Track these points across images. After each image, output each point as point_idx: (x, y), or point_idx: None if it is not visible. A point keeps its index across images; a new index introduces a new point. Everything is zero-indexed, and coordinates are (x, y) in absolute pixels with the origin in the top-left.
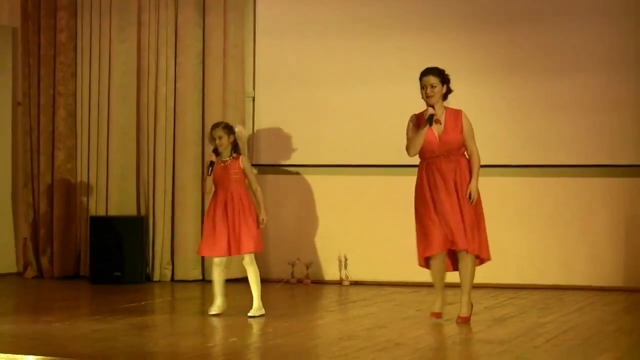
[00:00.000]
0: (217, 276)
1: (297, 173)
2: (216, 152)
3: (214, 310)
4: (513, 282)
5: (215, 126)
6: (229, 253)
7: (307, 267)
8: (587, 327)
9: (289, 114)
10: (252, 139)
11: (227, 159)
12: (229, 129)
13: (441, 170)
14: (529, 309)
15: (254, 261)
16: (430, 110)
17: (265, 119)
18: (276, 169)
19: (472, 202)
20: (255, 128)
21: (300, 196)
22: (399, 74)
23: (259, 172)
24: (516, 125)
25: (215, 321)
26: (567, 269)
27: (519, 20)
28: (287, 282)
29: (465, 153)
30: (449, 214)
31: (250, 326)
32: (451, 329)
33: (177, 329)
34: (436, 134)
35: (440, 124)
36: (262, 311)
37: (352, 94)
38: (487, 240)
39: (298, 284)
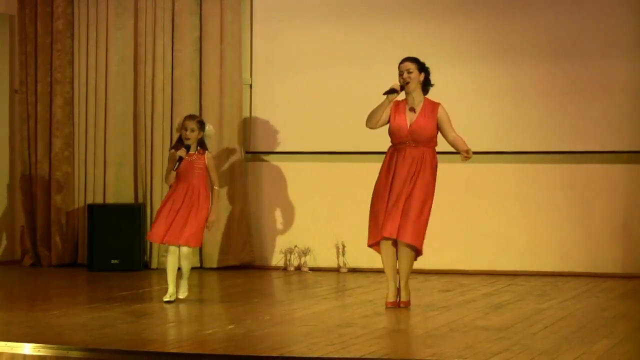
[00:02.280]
0: (171, 264)
1: (294, 160)
2: (188, 147)
3: (167, 297)
4: (510, 269)
5: (191, 117)
6: (167, 242)
7: (305, 254)
8: (584, 313)
9: (286, 100)
10: (249, 126)
11: (193, 152)
12: (202, 124)
13: (405, 158)
14: (527, 295)
15: (190, 256)
16: (394, 84)
17: (262, 105)
18: (273, 156)
19: (469, 156)
20: (252, 115)
21: (297, 183)
22: (397, 59)
23: (256, 159)
24: (513, 111)
25: (213, 308)
26: (565, 255)
27: (514, 6)
28: (285, 269)
29: (435, 147)
30: (397, 204)
31: (248, 313)
32: (448, 316)
33: (175, 317)
34: (408, 122)
35: (415, 112)
36: (186, 293)
37: (350, 81)
38: (424, 233)
39: (295, 272)
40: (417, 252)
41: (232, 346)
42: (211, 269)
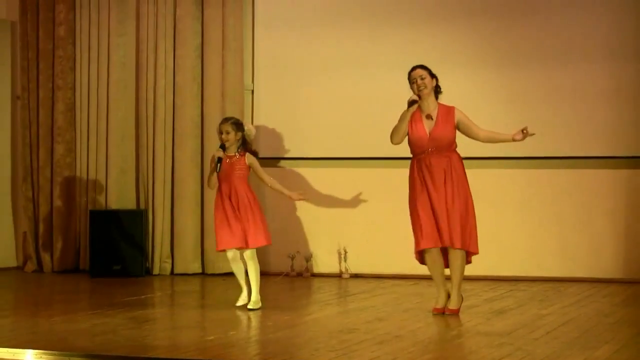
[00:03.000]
0: (237, 269)
1: (297, 166)
2: (223, 147)
3: (241, 301)
4: (512, 274)
5: (225, 120)
6: (243, 246)
7: (307, 260)
8: (586, 319)
9: (288, 106)
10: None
11: (233, 154)
12: (237, 125)
13: (431, 166)
14: (529, 301)
15: (256, 256)
16: (413, 96)
17: (264, 111)
18: (275, 161)
19: (527, 134)
20: (255, 121)
21: (299, 189)
22: (398, 65)
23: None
24: (516, 117)
25: (215, 314)
26: (567, 260)
27: (517, 11)
28: (287, 275)
29: (456, 149)
30: (437, 211)
31: (249, 319)
32: (451, 322)
33: (177, 323)
34: (427, 130)
35: (432, 119)
36: (260, 304)
37: (352, 86)
38: (476, 234)
39: (298, 277)
40: (469, 255)
41: (234, 352)
42: (213, 274)
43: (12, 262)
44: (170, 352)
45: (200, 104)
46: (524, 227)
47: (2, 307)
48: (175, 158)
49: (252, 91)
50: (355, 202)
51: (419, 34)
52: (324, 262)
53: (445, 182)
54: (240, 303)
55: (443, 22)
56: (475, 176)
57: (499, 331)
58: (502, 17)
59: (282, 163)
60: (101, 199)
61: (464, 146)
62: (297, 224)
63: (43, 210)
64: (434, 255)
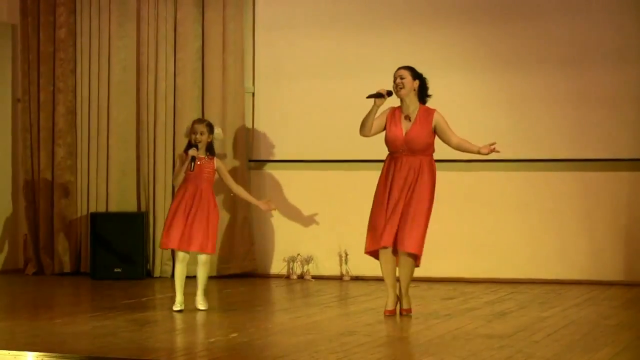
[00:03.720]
0: (180, 272)
1: (297, 168)
2: (195, 146)
3: (177, 306)
4: (513, 276)
5: (200, 121)
6: (181, 248)
7: (308, 262)
8: (587, 321)
9: (289, 109)
10: (252, 134)
11: (202, 157)
12: (210, 127)
13: (402, 166)
14: (529, 303)
15: (209, 262)
16: (380, 89)
17: (265, 114)
18: (276, 164)
19: (493, 150)
20: (255, 123)
21: (300, 191)
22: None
23: (259, 167)
24: (516, 119)
25: (216, 317)
26: (567, 263)
27: (520, 14)
28: (288, 277)
29: (433, 154)
30: (395, 213)
31: (250, 321)
32: (451, 324)
33: (178, 325)
34: (403, 130)
35: (410, 120)
36: (207, 304)
37: (352, 89)
38: (423, 239)
39: (298, 280)
40: (417, 261)
41: (235, 355)
42: (213, 277)
43: (12, 265)
44: (171, 354)
45: (200, 107)
46: (524, 229)
47: (2, 309)
48: (175, 161)
49: (253, 94)
50: (355, 204)
51: (420, 38)
52: (325, 264)
53: (410, 184)
54: (177, 308)
55: (443, 26)
56: (476, 179)
57: (500, 333)
58: (502, 20)
59: (283, 165)
60: (102, 201)
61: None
62: (298, 226)
63: (44, 212)
64: (389, 254)
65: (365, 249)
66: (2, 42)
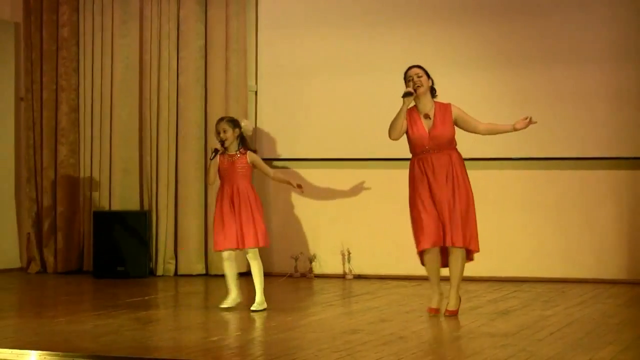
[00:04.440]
0: (228, 269)
1: (300, 167)
2: (221, 142)
3: (227, 303)
4: (516, 275)
5: (220, 120)
6: (238, 246)
7: (311, 261)
8: (590, 319)
9: (292, 107)
10: (255, 132)
11: (234, 153)
12: (233, 122)
13: (433, 165)
14: (533, 302)
15: (258, 256)
16: (407, 89)
17: (268, 112)
18: (278, 162)
19: (531, 121)
20: (258, 122)
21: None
22: (402, 67)
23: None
24: (518, 117)
25: (219, 315)
26: (571, 261)
27: (523, 12)
28: (291, 276)
29: (456, 146)
30: (440, 209)
31: (253, 320)
32: (454, 323)
33: (181, 324)
34: (426, 129)
35: (430, 118)
36: (265, 305)
37: (355, 87)
38: (477, 232)
39: (301, 278)
40: (470, 254)
41: (238, 353)
42: (217, 275)
43: (15, 263)
44: (174, 353)
45: (204, 105)
46: (527, 228)
47: (5, 308)
48: (178, 159)
49: (256, 92)
50: (358, 203)
51: (423, 36)
52: (328, 263)
53: (447, 180)
54: (225, 305)
55: (446, 24)
56: (479, 177)
57: (503, 332)
58: (505, 18)
59: (286, 164)
60: (105, 200)
61: (468, 147)
62: (301, 225)
63: (46, 211)
64: (434, 255)
65: (419, 247)
66: (5, 40)
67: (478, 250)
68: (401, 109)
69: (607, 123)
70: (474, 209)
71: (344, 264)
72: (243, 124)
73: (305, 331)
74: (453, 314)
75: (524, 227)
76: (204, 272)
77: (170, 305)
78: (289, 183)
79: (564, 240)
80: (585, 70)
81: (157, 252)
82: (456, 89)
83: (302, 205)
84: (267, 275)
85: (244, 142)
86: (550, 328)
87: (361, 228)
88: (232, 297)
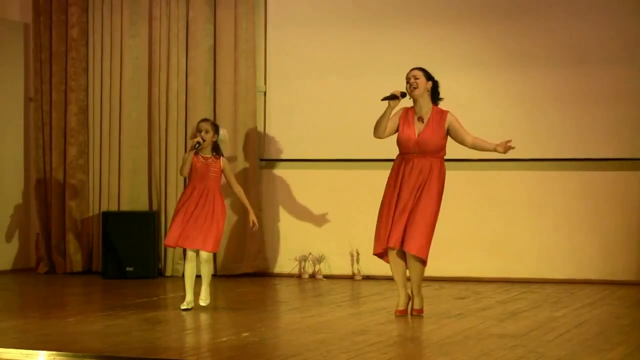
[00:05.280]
0: (189, 271)
1: (308, 167)
2: (202, 139)
3: (185, 305)
4: (525, 276)
5: (205, 120)
6: (181, 245)
7: (319, 261)
8: (599, 321)
9: (300, 108)
10: (264, 133)
11: (209, 156)
12: (215, 127)
13: (412, 167)
14: (541, 303)
15: (211, 260)
16: (394, 91)
17: (276, 113)
18: (287, 163)
19: (509, 147)
20: (267, 122)
21: (311, 190)
22: (410, 66)
23: (270, 167)
24: (527, 119)
25: (227, 316)
26: (579, 263)
27: (530, 14)
28: (299, 276)
29: (444, 157)
30: (401, 212)
31: (262, 321)
32: (463, 324)
33: (190, 324)
34: (416, 132)
35: (423, 122)
36: (209, 300)
37: (364, 88)
38: (429, 244)
39: (310, 279)
40: (424, 262)
41: (246, 354)
42: (225, 276)
43: (25, 264)
44: (183, 353)
45: (212, 106)
46: (536, 229)
47: (15, 308)
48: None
49: (265, 93)
50: (367, 203)
51: (431, 37)
52: (336, 264)
53: (418, 186)
54: (185, 307)
55: (452, 26)
56: (487, 178)
57: (512, 333)
58: (510, 20)
59: (294, 164)
60: (114, 200)
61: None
62: (309, 225)
63: (56, 212)
64: (398, 255)
65: (374, 249)
66: (14, 41)
67: (425, 262)
68: (385, 111)
69: (616, 123)
70: (435, 221)
71: (352, 265)
72: (222, 132)
73: (314, 332)
74: (420, 313)
75: (532, 229)
76: (212, 272)
77: (178, 305)
78: (247, 210)
79: (573, 241)
80: (591, 71)
81: (165, 253)
82: (461, 90)
83: (311, 206)
84: (276, 276)
85: (217, 149)
86: (560, 329)
87: (370, 229)
88: (188, 299)
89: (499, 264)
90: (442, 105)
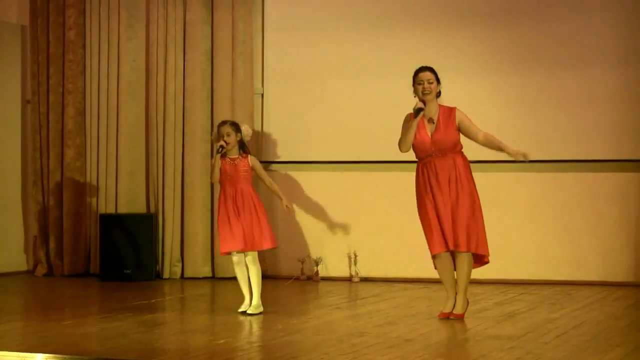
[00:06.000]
0: (240, 273)
1: (306, 169)
2: (221, 150)
3: (243, 307)
4: (523, 277)
5: (223, 123)
6: (246, 248)
7: (317, 263)
8: (597, 322)
9: (298, 110)
10: (261, 135)
11: (236, 156)
12: (236, 126)
13: (436, 169)
14: (539, 304)
15: (257, 260)
16: (419, 104)
17: (274, 115)
18: (285, 165)
19: (526, 159)
20: (264, 124)
21: (309, 193)
22: (408, 69)
23: (268, 169)
24: (526, 120)
25: (225, 318)
26: (577, 264)
27: (528, 15)
28: (297, 278)
29: (462, 150)
30: (442, 214)
31: (259, 323)
32: (461, 326)
33: (187, 327)
34: (429, 133)
35: (433, 123)
36: (261, 309)
37: (362, 90)
38: (484, 235)
39: (308, 281)
40: (480, 259)
41: (244, 356)
42: (223, 278)
43: (22, 266)
44: (181, 356)
45: (210, 108)
46: (534, 230)
47: (12, 311)
48: (185, 162)
49: (262, 95)
50: (365, 205)
51: (429, 39)
52: (334, 265)
53: (449, 185)
54: (242, 309)
55: (452, 28)
56: (485, 179)
57: (510, 335)
58: (509, 22)
59: (292, 167)
60: (111, 203)
61: (474, 149)
62: (307, 227)
63: (53, 214)
64: (443, 259)
65: (431, 252)
66: (11, 43)
67: (487, 254)
68: (411, 125)
69: (614, 125)
70: (481, 212)
71: (350, 267)
72: (243, 128)
73: (312, 334)
74: (459, 317)
75: (530, 230)
76: (210, 275)
77: (176, 308)
78: (280, 199)
79: (571, 242)
80: (592, 73)
81: (163, 255)
82: (463, 91)
83: (309, 208)
84: (274, 278)
85: (244, 146)
86: (557, 331)
87: (368, 231)
88: (246, 302)
89: (497, 265)
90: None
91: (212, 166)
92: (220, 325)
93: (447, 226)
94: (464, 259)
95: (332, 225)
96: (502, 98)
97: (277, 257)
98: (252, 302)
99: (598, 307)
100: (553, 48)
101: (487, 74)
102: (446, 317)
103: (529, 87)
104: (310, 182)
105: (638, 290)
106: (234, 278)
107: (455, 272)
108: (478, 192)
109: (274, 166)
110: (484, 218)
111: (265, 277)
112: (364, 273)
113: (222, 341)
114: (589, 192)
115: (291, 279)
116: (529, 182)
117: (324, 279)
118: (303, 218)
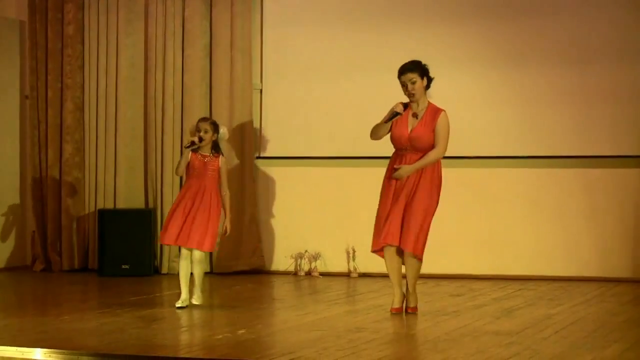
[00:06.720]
0: (183, 270)
1: (305, 165)
2: (199, 139)
3: (180, 303)
4: (521, 273)
5: (204, 120)
6: (178, 243)
7: (315, 259)
8: (595, 318)
9: (297, 106)
10: (260, 131)
11: (208, 154)
12: (215, 126)
13: (406, 164)
14: (537, 300)
15: (204, 261)
16: (398, 108)
17: (272, 111)
18: (283, 161)
19: (397, 176)
20: (263, 120)
21: (307, 188)
22: None
23: (266, 165)
24: (523, 116)
25: (223, 313)
26: (575, 260)
27: (527, 11)
28: (295, 274)
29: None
30: (398, 212)
31: (258, 318)
32: (459, 321)
33: (186, 322)
34: (409, 128)
35: (417, 118)
36: (202, 299)
37: (360, 86)
38: (424, 240)
39: (306, 276)
40: (420, 259)
41: (242, 351)
42: (221, 274)
43: (20, 261)
44: (179, 351)
45: (208, 104)
46: (532, 226)
47: (11, 306)
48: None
49: (261, 91)
50: (363, 201)
51: (428, 35)
52: (332, 261)
53: (413, 183)
54: (180, 305)
55: (450, 24)
56: (484, 176)
57: (508, 330)
58: (507, 18)
59: (290, 162)
60: (109, 198)
61: (472, 145)
62: (305, 222)
63: (52, 209)
64: (391, 254)
65: (372, 247)
66: (10, 38)
67: (421, 259)
68: (385, 123)
69: (611, 121)
70: (430, 220)
71: (348, 262)
72: (222, 130)
73: (310, 329)
74: (414, 311)
75: (528, 226)
76: (208, 270)
77: (174, 303)
78: (225, 215)
79: (569, 238)
80: (589, 69)
81: (161, 251)
82: (459, 88)
83: (307, 204)
84: (272, 273)
85: (217, 147)
86: (555, 326)
87: (366, 226)
88: (185, 297)
89: (495, 261)
90: (440, 104)
91: (180, 161)
92: (218, 320)
93: (397, 222)
94: (412, 258)
95: (331, 221)
96: (499, 95)
97: (275, 252)
98: (194, 293)
99: (596, 303)
100: (549, 45)
101: (484, 70)
102: (399, 311)
103: (526, 83)
104: (309, 177)
105: (636, 286)
106: (233, 273)
107: (403, 268)
108: (477, 188)
109: (272, 162)
110: (483, 213)
111: (263, 272)
112: (362, 268)
113: (220, 336)
114: (587, 188)
115: (289, 275)
116: (527, 178)
117: (322, 274)
118: (301, 213)
